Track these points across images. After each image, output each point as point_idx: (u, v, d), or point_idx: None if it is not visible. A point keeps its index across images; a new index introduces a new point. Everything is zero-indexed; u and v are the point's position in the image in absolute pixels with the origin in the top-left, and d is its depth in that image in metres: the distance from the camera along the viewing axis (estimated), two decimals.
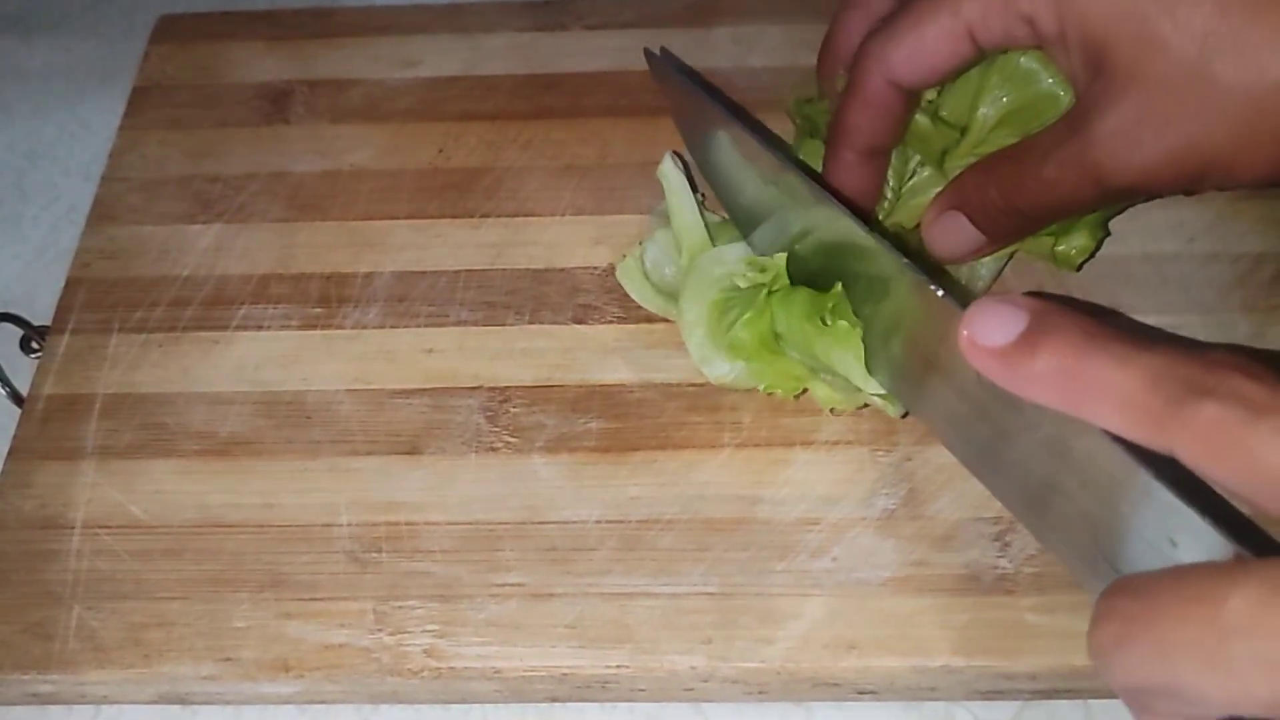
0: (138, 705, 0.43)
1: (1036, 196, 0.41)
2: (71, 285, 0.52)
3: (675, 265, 0.49)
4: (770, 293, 0.44)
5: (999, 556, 0.42)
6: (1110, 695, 0.41)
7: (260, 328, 0.50)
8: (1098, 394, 0.31)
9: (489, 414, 0.47)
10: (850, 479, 0.44)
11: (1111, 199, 0.41)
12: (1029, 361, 0.32)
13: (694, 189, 0.50)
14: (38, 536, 0.44)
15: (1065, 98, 0.43)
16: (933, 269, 0.45)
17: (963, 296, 0.35)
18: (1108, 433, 0.31)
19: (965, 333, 0.33)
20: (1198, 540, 0.30)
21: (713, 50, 0.59)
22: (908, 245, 0.46)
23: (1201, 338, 0.47)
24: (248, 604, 0.42)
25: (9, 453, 0.47)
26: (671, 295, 0.48)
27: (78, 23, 0.69)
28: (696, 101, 0.47)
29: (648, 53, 0.49)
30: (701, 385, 0.47)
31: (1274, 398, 0.28)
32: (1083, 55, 0.39)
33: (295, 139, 0.57)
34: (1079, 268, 0.47)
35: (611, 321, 0.49)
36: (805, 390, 0.45)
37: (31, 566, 0.44)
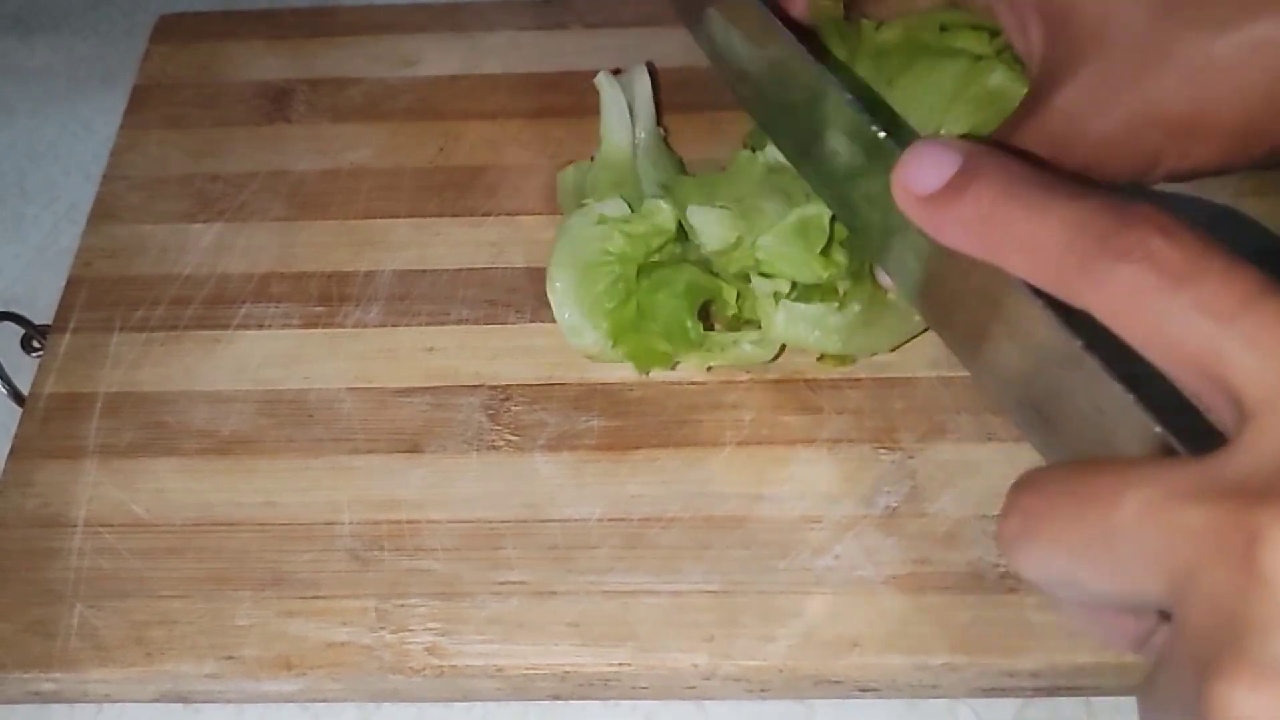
0: (140, 704, 0.43)
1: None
2: (73, 284, 0.52)
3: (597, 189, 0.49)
4: (645, 270, 0.44)
5: (1001, 555, 0.42)
6: (1112, 693, 0.41)
7: (261, 326, 0.50)
8: (1014, 244, 0.30)
9: (490, 412, 0.47)
10: (852, 476, 0.44)
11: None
12: (953, 207, 0.31)
13: (632, 118, 0.50)
14: (39, 535, 0.44)
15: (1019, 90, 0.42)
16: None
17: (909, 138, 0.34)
18: (1036, 292, 0.30)
19: (896, 177, 0.32)
20: (1123, 414, 0.29)
21: None
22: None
23: None
24: (249, 602, 0.42)
25: (10, 451, 0.47)
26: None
27: (78, 22, 0.69)
28: None
29: None
30: (703, 383, 0.47)
31: (1191, 264, 0.27)
32: (1041, 26, 0.39)
33: (296, 138, 0.57)
34: None
35: None
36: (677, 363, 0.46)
37: (33, 565, 0.44)
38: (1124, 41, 0.36)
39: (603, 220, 0.45)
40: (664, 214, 0.45)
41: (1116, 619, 0.30)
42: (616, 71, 0.52)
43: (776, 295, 0.43)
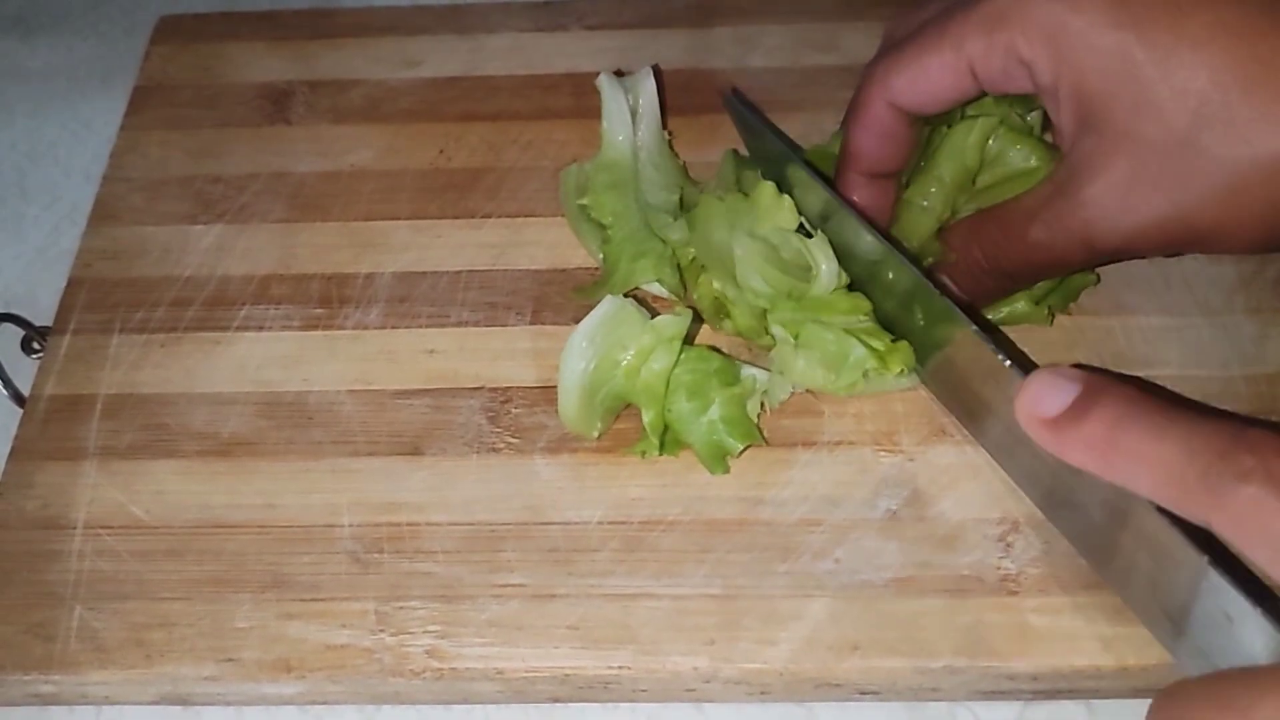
0: (139, 706, 0.43)
1: (1023, 258, 0.42)
2: (73, 285, 0.52)
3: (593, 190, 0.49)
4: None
5: (1002, 558, 0.42)
6: (1113, 695, 0.41)
7: (262, 328, 0.50)
8: (1136, 464, 0.32)
9: (490, 414, 0.47)
10: (853, 480, 0.44)
11: (1098, 260, 0.42)
12: (1076, 430, 0.33)
13: (635, 120, 0.50)
14: (39, 537, 0.44)
15: (1039, 168, 0.43)
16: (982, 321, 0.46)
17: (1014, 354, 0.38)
18: (1161, 510, 0.32)
19: (1021, 403, 0.34)
20: (1252, 622, 0.31)
21: (713, 50, 0.59)
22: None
23: (1206, 339, 0.47)
24: (249, 604, 0.42)
25: (11, 453, 0.47)
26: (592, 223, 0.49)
27: (78, 23, 0.69)
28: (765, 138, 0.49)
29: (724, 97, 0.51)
30: None
31: None
32: (1074, 109, 0.39)
33: (296, 139, 0.57)
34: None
35: None
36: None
37: (33, 567, 0.44)
38: (1157, 146, 0.37)
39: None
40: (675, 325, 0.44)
41: None
42: (621, 74, 0.52)
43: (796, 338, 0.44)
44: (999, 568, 0.42)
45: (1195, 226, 0.38)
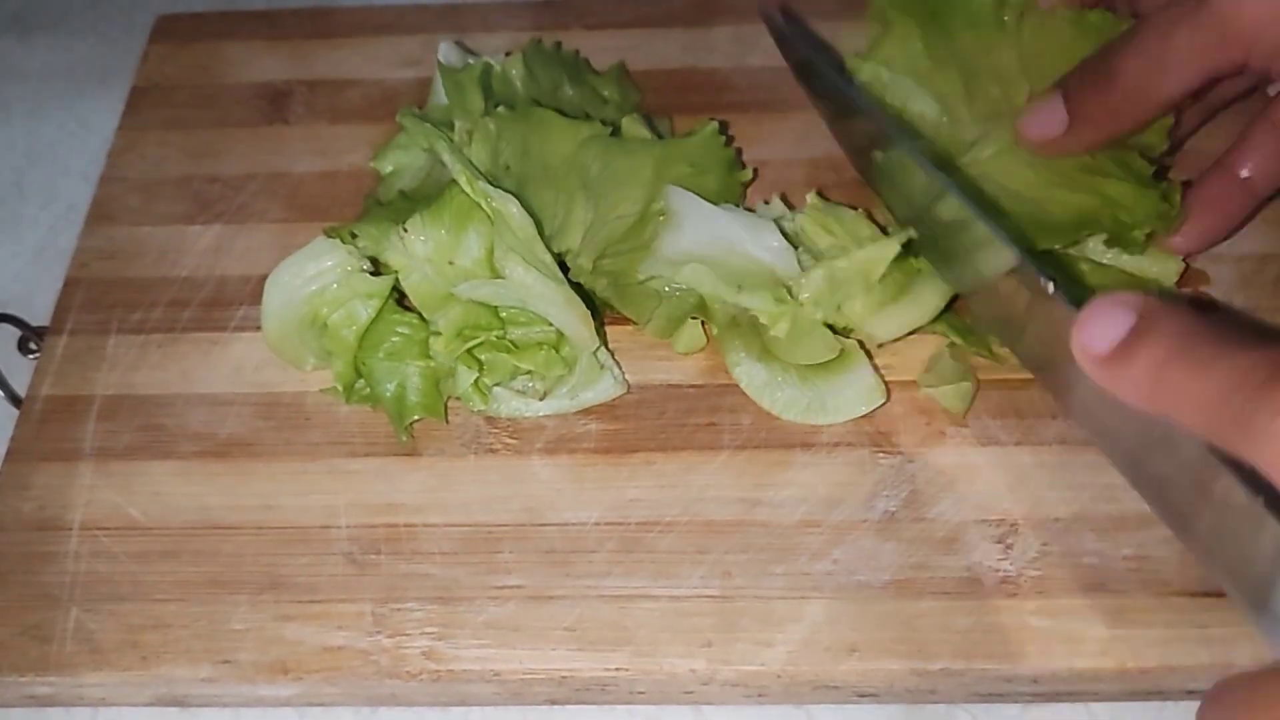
0: (135, 708, 0.43)
1: (1154, 74, 0.42)
2: (70, 286, 0.52)
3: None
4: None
5: (1001, 559, 0.42)
6: (1112, 698, 0.41)
7: (259, 329, 0.49)
8: (1180, 399, 0.30)
9: (488, 415, 0.46)
10: (851, 481, 0.44)
11: (1235, 68, 0.41)
12: (1125, 365, 0.32)
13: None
14: (36, 538, 0.44)
15: None
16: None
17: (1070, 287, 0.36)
18: (1221, 454, 0.31)
19: (1076, 338, 0.33)
20: None
21: (713, 50, 0.58)
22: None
23: None
24: (246, 606, 0.42)
25: (7, 454, 0.47)
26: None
27: (77, 22, 0.69)
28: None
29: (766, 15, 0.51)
30: (700, 386, 0.47)
31: None
32: None
33: (294, 139, 0.57)
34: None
35: (612, 322, 0.48)
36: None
37: (29, 568, 0.44)
38: None
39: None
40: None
41: None
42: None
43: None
44: (998, 569, 0.41)
45: None
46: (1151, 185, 0.45)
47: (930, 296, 0.45)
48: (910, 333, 0.46)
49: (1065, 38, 0.47)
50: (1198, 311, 0.32)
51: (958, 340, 0.46)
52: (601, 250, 0.46)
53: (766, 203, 0.49)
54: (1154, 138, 0.46)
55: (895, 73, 0.49)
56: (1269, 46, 0.40)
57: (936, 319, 0.46)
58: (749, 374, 0.45)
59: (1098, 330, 0.32)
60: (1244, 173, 0.45)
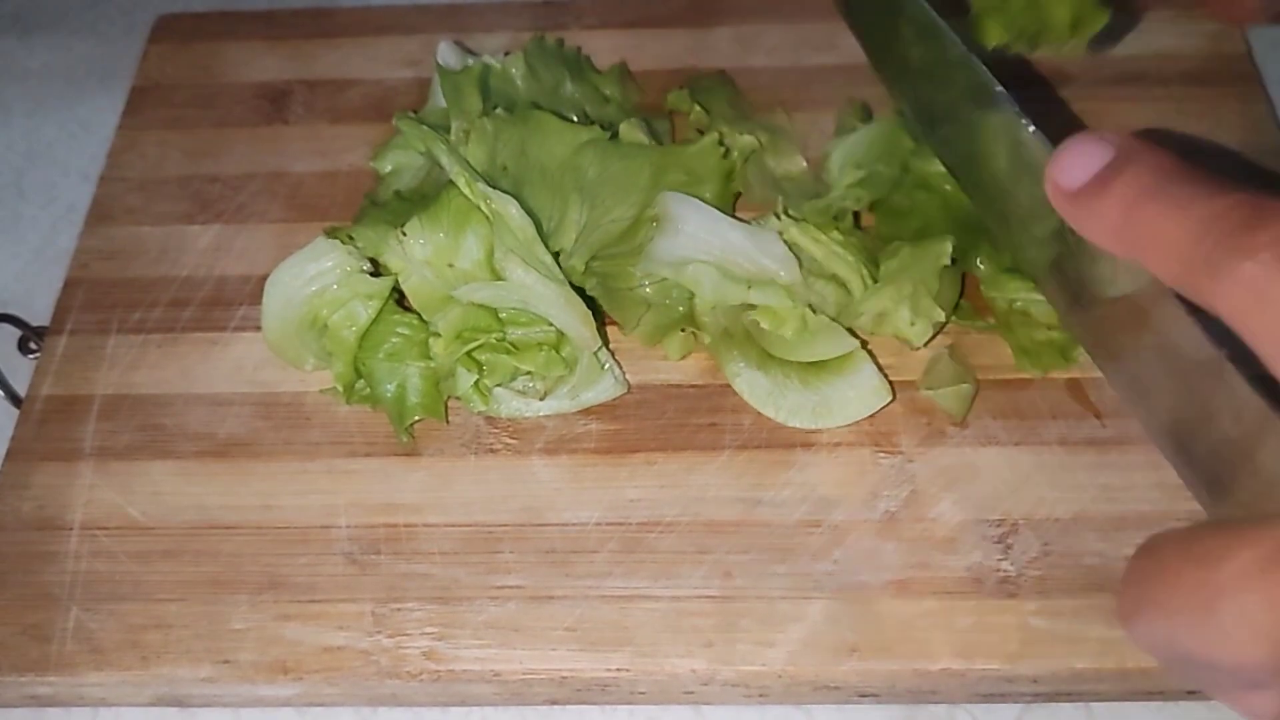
0: (135, 708, 0.43)
1: None
2: (70, 286, 0.52)
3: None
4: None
5: (1001, 559, 0.42)
6: (1113, 698, 0.41)
7: (259, 329, 0.49)
8: (1150, 239, 0.28)
9: (488, 415, 0.46)
10: (851, 481, 0.44)
11: None
12: (1097, 199, 0.30)
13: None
14: (36, 538, 0.44)
15: None
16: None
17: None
18: (1183, 301, 0.29)
19: (1049, 172, 0.31)
20: (1263, 428, 0.28)
21: (713, 50, 0.58)
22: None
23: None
24: (246, 606, 0.42)
25: (7, 454, 0.47)
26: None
27: (77, 22, 0.68)
28: None
29: None
30: (701, 386, 0.47)
31: None
32: None
33: (294, 139, 0.56)
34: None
35: (611, 323, 0.48)
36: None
37: (29, 568, 0.44)
38: None
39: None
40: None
41: (1247, 697, 0.27)
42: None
43: None
44: (998, 570, 0.41)
45: None
46: None
47: (947, 291, 0.45)
48: (935, 334, 0.46)
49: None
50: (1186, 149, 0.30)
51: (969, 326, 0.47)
52: (594, 252, 0.46)
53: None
54: None
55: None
56: None
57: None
58: (750, 383, 0.45)
59: (1072, 163, 0.31)
60: None
